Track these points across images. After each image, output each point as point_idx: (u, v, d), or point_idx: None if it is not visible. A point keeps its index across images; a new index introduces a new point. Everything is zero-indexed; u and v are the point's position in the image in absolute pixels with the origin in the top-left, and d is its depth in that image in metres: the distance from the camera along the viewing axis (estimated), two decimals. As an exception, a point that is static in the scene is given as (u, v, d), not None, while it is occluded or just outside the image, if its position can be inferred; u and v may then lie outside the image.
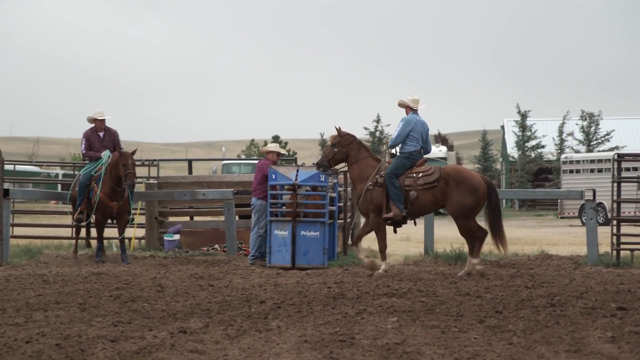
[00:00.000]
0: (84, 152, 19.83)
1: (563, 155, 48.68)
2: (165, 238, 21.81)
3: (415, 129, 17.06)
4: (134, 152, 19.42)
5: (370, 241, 26.31)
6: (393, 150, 17.34)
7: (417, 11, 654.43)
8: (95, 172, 19.38)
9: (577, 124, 65.88)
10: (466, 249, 20.14)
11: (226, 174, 39.50)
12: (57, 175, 70.02)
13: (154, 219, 22.40)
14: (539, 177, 65.64)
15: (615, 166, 19.02)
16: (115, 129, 20.04)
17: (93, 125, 19.89)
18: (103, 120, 19.84)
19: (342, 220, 20.82)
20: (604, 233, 21.68)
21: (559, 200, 44.45)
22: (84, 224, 20.11)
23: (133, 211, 20.57)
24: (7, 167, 22.72)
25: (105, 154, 19.40)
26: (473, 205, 16.58)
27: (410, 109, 17.27)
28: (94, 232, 20.21)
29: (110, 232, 21.41)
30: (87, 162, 20.01)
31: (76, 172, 20.02)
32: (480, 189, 16.53)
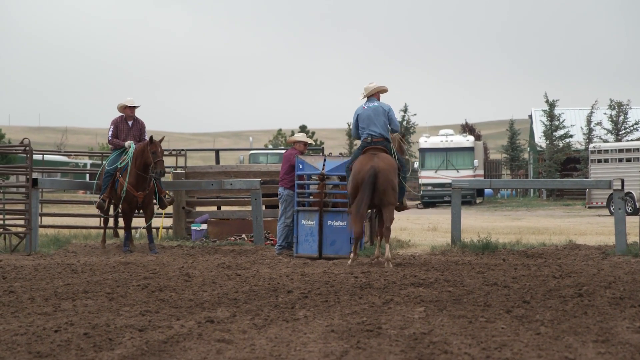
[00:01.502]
0: (110, 138, 19.91)
1: (591, 145, 48.44)
2: (192, 228, 21.88)
3: (360, 118, 17.15)
4: (161, 140, 19.47)
5: (397, 231, 26.31)
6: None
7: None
8: (120, 163, 19.42)
9: (605, 113, 65.50)
10: (494, 238, 20.20)
11: (253, 163, 39.64)
12: (85, 165, 70.42)
13: (182, 209, 22.48)
14: (567, 166, 65.31)
15: (644, 156, 18.91)
16: (143, 121, 20.11)
17: (122, 114, 19.96)
18: (134, 108, 19.90)
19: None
20: (633, 223, 21.56)
21: (587, 190, 44.28)
22: (111, 213, 20.20)
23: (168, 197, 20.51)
24: (36, 157, 22.81)
25: (130, 145, 19.43)
26: (350, 192, 16.86)
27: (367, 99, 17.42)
28: (121, 222, 20.28)
29: (137, 222, 21.47)
30: (112, 150, 20.07)
31: (104, 162, 20.07)
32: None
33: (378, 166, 16.46)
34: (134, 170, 19.14)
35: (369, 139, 16.95)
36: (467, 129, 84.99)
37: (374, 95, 17.33)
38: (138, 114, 20.09)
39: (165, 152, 20.61)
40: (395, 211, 17.13)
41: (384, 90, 17.48)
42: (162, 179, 19.96)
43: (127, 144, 19.52)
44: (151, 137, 19.26)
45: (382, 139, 16.94)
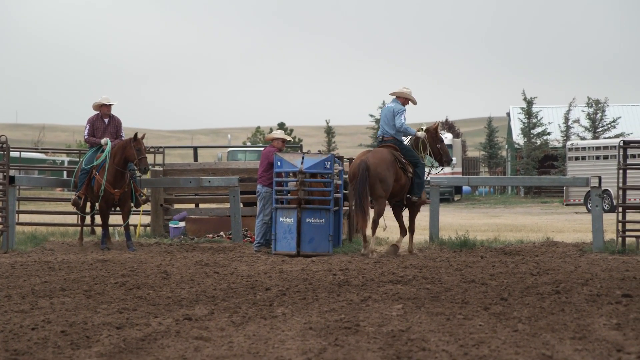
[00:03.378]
0: (86, 137, 19.86)
1: (569, 143, 48.61)
2: (170, 225, 21.84)
3: (380, 118, 18.85)
4: (143, 137, 19.44)
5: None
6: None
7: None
8: (96, 160, 19.36)
9: (583, 111, 65.71)
10: (472, 235, 20.28)
11: (231, 161, 39.58)
12: (62, 162, 70.11)
13: (160, 206, 22.43)
14: (544, 164, 65.47)
15: (621, 153, 18.99)
16: (120, 118, 20.07)
17: (98, 112, 19.91)
18: (110, 106, 19.87)
19: (347, 208, 20.84)
20: (610, 220, 21.65)
21: (565, 188, 44.37)
22: (87, 211, 20.15)
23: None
24: (13, 154, 22.70)
25: (107, 142, 19.36)
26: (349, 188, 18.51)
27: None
28: (98, 219, 20.22)
29: (115, 219, 21.41)
30: (89, 148, 20.02)
31: (81, 160, 20.01)
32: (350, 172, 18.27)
33: (368, 160, 17.80)
34: (112, 167, 19.09)
35: (380, 137, 18.72)
36: (446, 126, 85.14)
37: (398, 97, 18.56)
38: (115, 111, 20.04)
39: (144, 149, 20.54)
40: (420, 205, 18.72)
41: (408, 98, 18.60)
42: (139, 175, 19.95)
43: (103, 141, 19.46)
44: (136, 134, 19.25)
45: (391, 137, 18.42)
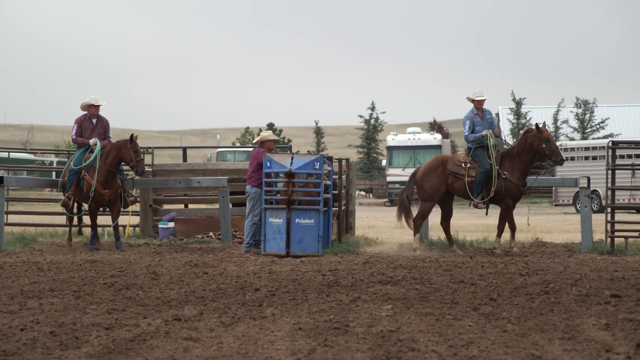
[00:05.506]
0: (74, 138, 19.79)
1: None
2: (159, 226, 21.82)
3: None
4: (136, 138, 19.41)
5: (364, 229, 26.34)
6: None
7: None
8: (84, 161, 19.32)
9: (572, 112, 65.87)
10: (460, 236, 20.32)
11: (221, 161, 39.50)
12: (51, 162, 69.96)
13: (149, 207, 22.41)
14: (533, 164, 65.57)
15: (610, 154, 19.03)
16: (107, 119, 20.02)
17: (86, 112, 19.86)
18: (98, 107, 19.82)
19: (337, 208, 20.85)
20: (599, 220, 21.68)
21: (554, 188, 44.46)
22: (75, 211, 20.12)
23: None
24: (1, 154, 22.73)
25: (96, 142, 19.31)
26: None
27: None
28: (86, 219, 20.17)
29: (104, 219, 21.38)
30: (76, 148, 19.98)
31: (69, 160, 19.96)
32: None
33: (417, 168, 19.59)
34: (103, 167, 19.05)
35: None
36: (435, 127, 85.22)
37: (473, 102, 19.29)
38: (104, 111, 20.00)
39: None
40: (505, 206, 19.01)
41: (471, 101, 19.31)
42: (130, 177, 19.93)
43: (92, 141, 19.41)
44: (132, 136, 19.23)
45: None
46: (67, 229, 20.88)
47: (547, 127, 18.95)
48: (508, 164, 18.57)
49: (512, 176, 18.47)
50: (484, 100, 19.05)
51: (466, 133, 18.97)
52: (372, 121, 79.68)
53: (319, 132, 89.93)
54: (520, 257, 17.72)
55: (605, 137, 61.44)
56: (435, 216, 20.28)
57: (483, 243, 20.31)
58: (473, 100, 18.99)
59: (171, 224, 21.88)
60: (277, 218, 18.38)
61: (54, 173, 58.54)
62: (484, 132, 18.64)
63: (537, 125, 18.52)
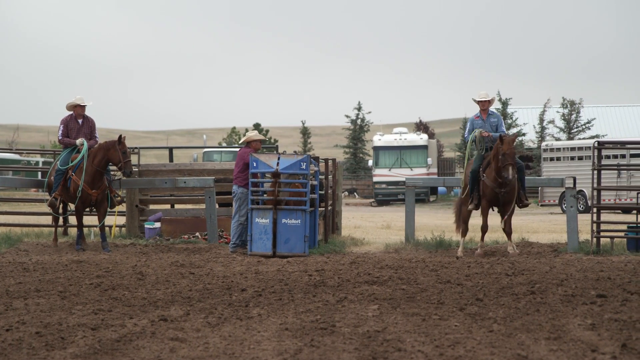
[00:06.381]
0: (60, 138, 19.74)
1: (544, 143, 48.75)
2: (146, 226, 21.78)
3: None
4: (124, 139, 19.38)
5: (350, 229, 26.34)
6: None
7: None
8: (71, 161, 19.28)
9: (558, 112, 65.98)
10: (447, 236, 20.36)
11: (207, 161, 39.47)
12: (37, 163, 69.80)
13: (135, 207, 22.36)
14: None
15: (596, 154, 19.07)
16: (93, 119, 19.97)
17: (72, 112, 19.80)
18: (84, 107, 19.75)
19: (323, 208, 20.84)
20: (584, 221, 21.73)
21: (540, 188, 44.53)
22: (61, 212, 20.06)
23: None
24: (-13, 154, 22.59)
25: (83, 142, 19.26)
26: None
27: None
28: (72, 220, 20.12)
29: (90, 220, 21.33)
30: (63, 149, 19.93)
31: (55, 160, 19.90)
32: None
33: None
34: (90, 167, 19.01)
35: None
36: (421, 127, 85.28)
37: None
38: (91, 111, 19.96)
39: (119, 150, 20.47)
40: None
41: (475, 102, 19.07)
42: (117, 177, 19.91)
43: (78, 142, 19.36)
44: (120, 136, 19.20)
45: None
46: (53, 229, 20.82)
47: (515, 141, 19.02)
48: (488, 166, 18.59)
49: (488, 178, 18.44)
50: (487, 101, 18.82)
51: (465, 135, 19.11)
52: (359, 121, 79.63)
53: (305, 132, 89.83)
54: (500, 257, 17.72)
55: (591, 137, 61.55)
56: (420, 215, 20.27)
57: (470, 243, 20.31)
58: (477, 102, 18.88)
59: (157, 224, 21.84)
60: (263, 218, 18.38)
61: (39, 173, 58.43)
62: (475, 133, 18.62)
63: (501, 136, 18.41)
